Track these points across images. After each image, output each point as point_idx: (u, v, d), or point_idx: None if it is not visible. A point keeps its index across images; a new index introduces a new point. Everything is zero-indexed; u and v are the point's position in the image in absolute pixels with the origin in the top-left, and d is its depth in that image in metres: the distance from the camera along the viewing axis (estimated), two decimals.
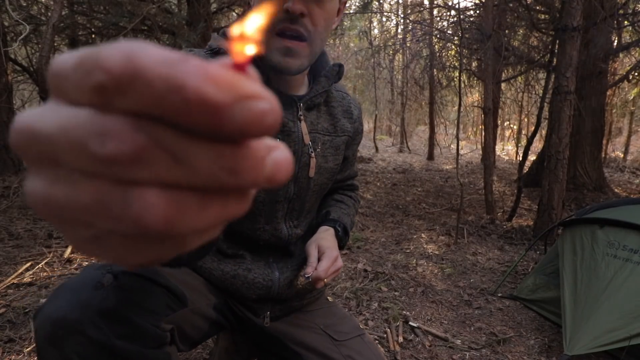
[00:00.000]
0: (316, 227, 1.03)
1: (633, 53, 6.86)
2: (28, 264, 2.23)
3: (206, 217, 0.18)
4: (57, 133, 0.17)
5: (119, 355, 0.64)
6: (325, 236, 0.96)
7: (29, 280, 2.05)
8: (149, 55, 0.16)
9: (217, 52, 0.82)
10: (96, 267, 0.70)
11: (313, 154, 0.90)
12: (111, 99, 0.16)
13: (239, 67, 0.18)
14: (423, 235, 3.41)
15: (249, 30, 0.18)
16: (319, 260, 0.88)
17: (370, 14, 8.80)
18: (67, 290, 0.65)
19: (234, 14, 5.41)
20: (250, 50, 0.18)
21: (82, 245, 0.20)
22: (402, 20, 10.59)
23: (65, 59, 0.18)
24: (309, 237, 1.04)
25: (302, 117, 0.88)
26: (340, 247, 1.01)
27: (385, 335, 1.75)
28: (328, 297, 1.16)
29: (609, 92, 6.77)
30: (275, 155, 0.19)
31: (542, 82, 5.30)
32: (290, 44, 0.78)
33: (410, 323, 1.87)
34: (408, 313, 1.98)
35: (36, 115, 0.18)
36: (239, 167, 0.18)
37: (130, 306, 0.66)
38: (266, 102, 0.17)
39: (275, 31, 0.77)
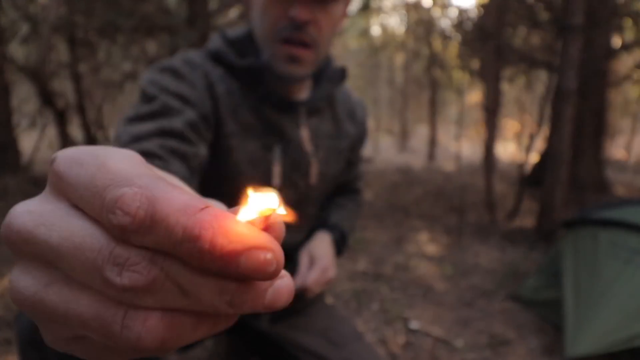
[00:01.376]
0: (315, 232, 1.00)
1: (635, 52, 6.84)
2: None
3: (196, 335, 0.20)
4: (67, 249, 0.18)
5: None
6: (319, 244, 0.93)
7: None
8: (171, 201, 0.17)
9: (216, 55, 0.80)
10: None
11: (314, 161, 0.88)
12: (129, 236, 0.17)
13: (254, 222, 0.20)
14: (424, 236, 3.39)
15: (270, 204, 0.20)
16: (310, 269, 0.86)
17: (370, 13, 8.79)
18: None
19: (233, 13, 5.40)
20: (268, 215, 0.21)
21: (59, 343, 0.21)
22: (402, 20, 10.58)
23: (72, 162, 0.19)
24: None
25: (303, 124, 0.86)
26: (338, 254, 0.98)
27: (385, 337, 1.74)
28: (328, 299, 1.14)
29: (611, 92, 6.76)
30: (277, 285, 0.21)
31: (544, 82, 5.29)
32: (295, 52, 0.76)
33: (411, 324, 1.85)
34: (409, 314, 1.97)
35: (38, 218, 0.19)
36: (239, 300, 0.19)
37: None
38: (270, 253, 0.18)
39: (279, 38, 0.75)
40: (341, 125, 0.95)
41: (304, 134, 0.86)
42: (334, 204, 1.10)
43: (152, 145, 0.62)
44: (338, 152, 0.95)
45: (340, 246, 0.99)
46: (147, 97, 0.70)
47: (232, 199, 0.80)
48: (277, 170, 0.82)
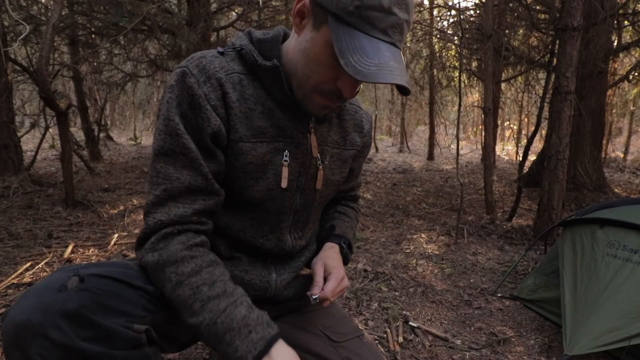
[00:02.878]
0: (321, 242, 1.03)
1: (633, 53, 6.86)
2: (28, 264, 2.23)
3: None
4: None
5: (85, 357, 0.63)
6: (331, 254, 0.97)
7: (29, 280, 2.05)
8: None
9: (240, 52, 0.83)
10: (65, 270, 0.70)
11: (321, 167, 0.91)
12: None
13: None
14: (423, 235, 3.41)
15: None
16: (325, 279, 0.90)
17: None
18: (32, 293, 0.65)
19: (233, 13, 5.41)
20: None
21: None
22: None
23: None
24: (312, 246, 1.04)
25: (312, 130, 0.88)
26: (345, 263, 1.02)
27: (385, 335, 1.75)
28: None
29: (609, 92, 6.77)
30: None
31: (542, 82, 5.30)
32: (330, 104, 0.82)
33: (410, 323, 1.87)
34: (408, 313, 1.98)
35: None
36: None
37: (96, 308, 0.65)
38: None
39: (320, 92, 0.79)
40: (348, 135, 0.98)
41: (313, 140, 0.88)
42: (337, 212, 1.13)
43: (187, 212, 0.77)
44: (343, 160, 0.98)
45: (347, 256, 1.04)
46: (170, 129, 0.76)
47: (238, 196, 0.82)
48: (285, 174, 0.85)
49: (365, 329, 1.80)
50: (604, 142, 8.11)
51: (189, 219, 0.77)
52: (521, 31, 6.40)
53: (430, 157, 9.48)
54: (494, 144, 6.44)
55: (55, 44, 4.45)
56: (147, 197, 0.78)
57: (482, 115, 4.15)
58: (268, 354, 0.70)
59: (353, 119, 1.00)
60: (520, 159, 4.16)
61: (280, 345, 0.72)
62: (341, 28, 0.70)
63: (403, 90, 0.74)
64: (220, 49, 0.83)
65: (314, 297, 0.86)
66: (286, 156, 0.85)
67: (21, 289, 1.96)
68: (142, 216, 3.30)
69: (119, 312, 0.69)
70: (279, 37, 0.86)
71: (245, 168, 0.82)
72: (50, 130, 4.70)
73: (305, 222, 0.96)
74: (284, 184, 0.85)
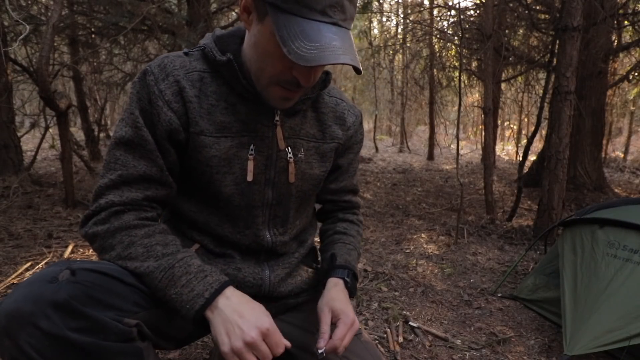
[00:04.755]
0: (323, 275, 0.99)
1: (633, 53, 6.86)
2: (28, 264, 2.23)
3: None
4: None
5: (75, 347, 0.64)
6: (336, 295, 0.91)
7: None
8: None
9: (203, 51, 0.85)
10: (58, 264, 0.71)
11: (292, 160, 0.90)
12: None
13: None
14: (423, 235, 3.41)
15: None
16: (333, 324, 0.86)
17: (370, 14, 8.79)
18: (24, 284, 0.66)
19: (233, 13, 5.41)
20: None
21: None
22: (402, 20, 10.58)
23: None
24: (307, 242, 1.03)
25: (278, 123, 0.88)
26: (351, 296, 0.97)
27: (385, 335, 1.75)
28: None
29: (609, 92, 6.77)
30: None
31: (542, 82, 5.30)
32: (289, 95, 0.82)
33: (410, 323, 1.87)
34: (408, 313, 1.98)
35: None
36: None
37: (86, 300, 0.66)
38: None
39: (277, 83, 0.80)
40: (327, 128, 0.97)
41: (279, 132, 0.88)
42: (337, 234, 1.08)
43: (139, 196, 0.81)
44: (322, 154, 0.97)
45: (352, 289, 0.99)
46: (132, 121, 0.80)
47: (208, 191, 0.85)
48: (251, 167, 0.86)
49: (365, 329, 1.80)
50: (604, 142, 8.12)
51: (140, 203, 0.81)
52: (521, 31, 6.40)
53: (430, 157, 9.48)
54: (494, 144, 6.44)
55: (55, 44, 4.45)
56: (101, 180, 0.80)
57: (482, 115, 4.15)
58: (223, 293, 0.75)
59: (333, 111, 0.99)
60: (520, 159, 4.16)
61: (233, 288, 0.78)
62: (281, 16, 0.71)
63: (354, 69, 0.74)
64: (186, 50, 0.86)
65: (319, 351, 0.79)
66: (252, 150, 0.86)
67: None
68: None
69: (110, 305, 0.69)
70: (238, 32, 0.88)
71: (209, 162, 0.84)
72: (50, 130, 4.70)
73: (284, 217, 0.95)
74: (249, 177, 0.86)
